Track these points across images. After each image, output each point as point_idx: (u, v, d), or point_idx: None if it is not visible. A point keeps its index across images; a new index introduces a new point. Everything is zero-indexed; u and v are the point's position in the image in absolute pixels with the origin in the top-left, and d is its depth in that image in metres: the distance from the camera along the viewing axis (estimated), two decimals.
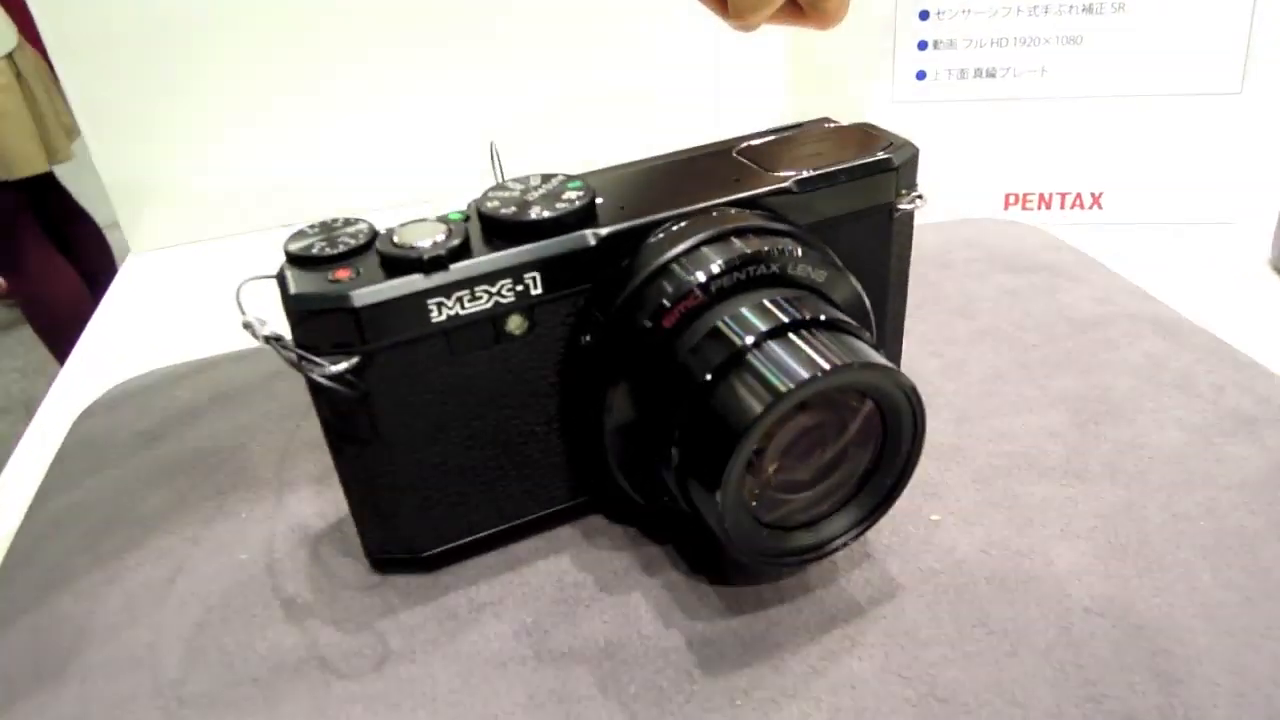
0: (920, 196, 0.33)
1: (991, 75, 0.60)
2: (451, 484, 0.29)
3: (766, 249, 0.27)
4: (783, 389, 0.24)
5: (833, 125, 0.35)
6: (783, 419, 0.26)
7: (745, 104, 0.73)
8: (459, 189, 0.38)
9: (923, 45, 0.60)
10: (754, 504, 0.26)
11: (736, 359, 0.25)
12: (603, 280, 0.28)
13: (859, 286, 0.29)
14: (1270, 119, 0.56)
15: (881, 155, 0.31)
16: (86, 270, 2.03)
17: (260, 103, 0.66)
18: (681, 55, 0.70)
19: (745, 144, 0.33)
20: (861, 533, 0.28)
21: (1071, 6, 0.58)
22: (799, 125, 0.35)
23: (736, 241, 0.27)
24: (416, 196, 0.68)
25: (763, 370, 0.25)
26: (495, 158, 0.55)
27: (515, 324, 0.27)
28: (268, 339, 0.26)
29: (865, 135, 0.33)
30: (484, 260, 0.26)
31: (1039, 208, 0.61)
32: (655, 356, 0.27)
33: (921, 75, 0.61)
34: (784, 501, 0.27)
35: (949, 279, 0.46)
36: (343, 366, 0.26)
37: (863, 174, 0.31)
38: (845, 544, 0.28)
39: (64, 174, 2.03)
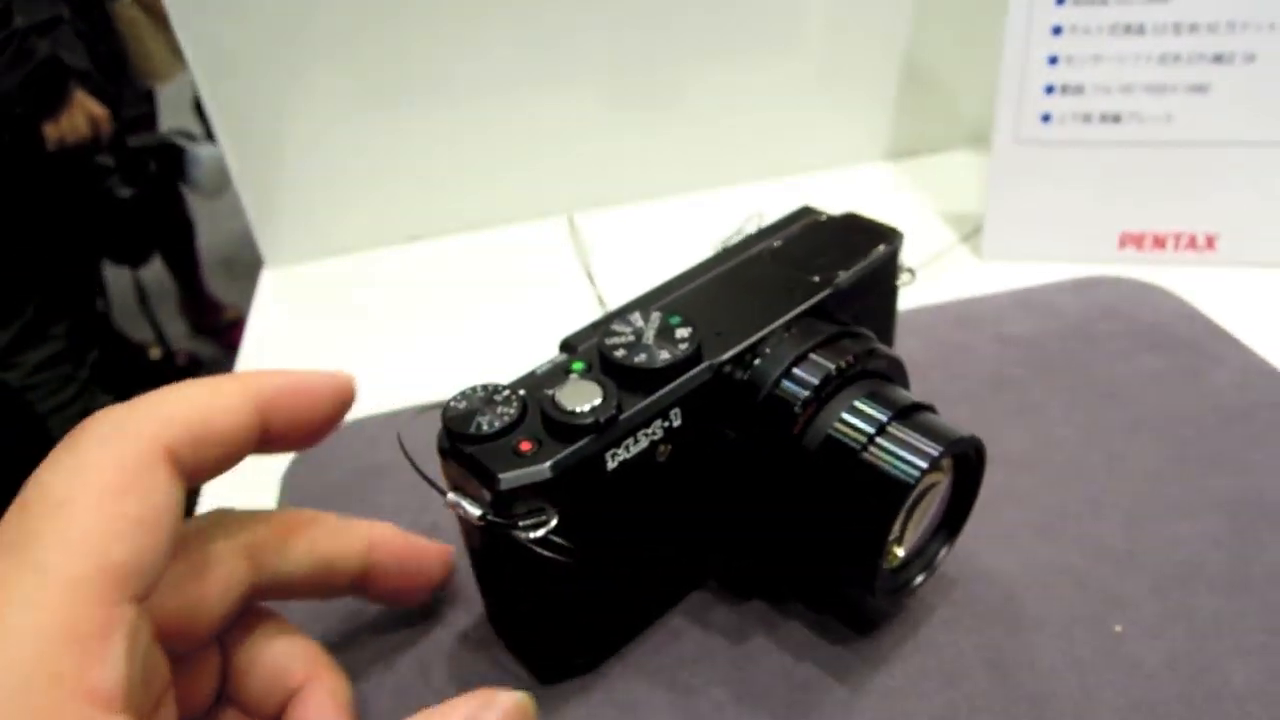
0: (911, 271, 0.41)
1: (1116, 120, 0.61)
2: (617, 602, 0.36)
3: (853, 351, 0.34)
4: (933, 453, 0.31)
5: (824, 218, 0.41)
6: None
7: (852, 132, 0.75)
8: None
9: (1049, 89, 0.62)
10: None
11: (876, 437, 0.32)
12: (727, 400, 0.34)
13: (898, 356, 0.36)
14: None
15: (885, 248, 0.38)
16: None
17: (388, 127, 0.69)
18: (782, 77, 0.72)
19: (769, 247, 0.39)
20: (952, 544, 0.36)
21: (1201, 55, 0.59)
22: (790, 221, 0.41)
23: (825, 352, 0.34)
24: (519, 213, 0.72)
25: (910, 440, 0.32)
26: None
27: (662, 451, 0.33)
28: (482, 518, 0.30)
29: (861, 226, 0.40)
30: (639, 409, 0.31)
31: (1152, 248, 0.64)
32: (789, 453, 0.33)
33: (1047, 118, 0.62)
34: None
35: (1097, 359, 0.49)
36: (549, 527, 0.30)
37: (880, 265, 0.38)
38: (944, 557, 0.36)
39: None
